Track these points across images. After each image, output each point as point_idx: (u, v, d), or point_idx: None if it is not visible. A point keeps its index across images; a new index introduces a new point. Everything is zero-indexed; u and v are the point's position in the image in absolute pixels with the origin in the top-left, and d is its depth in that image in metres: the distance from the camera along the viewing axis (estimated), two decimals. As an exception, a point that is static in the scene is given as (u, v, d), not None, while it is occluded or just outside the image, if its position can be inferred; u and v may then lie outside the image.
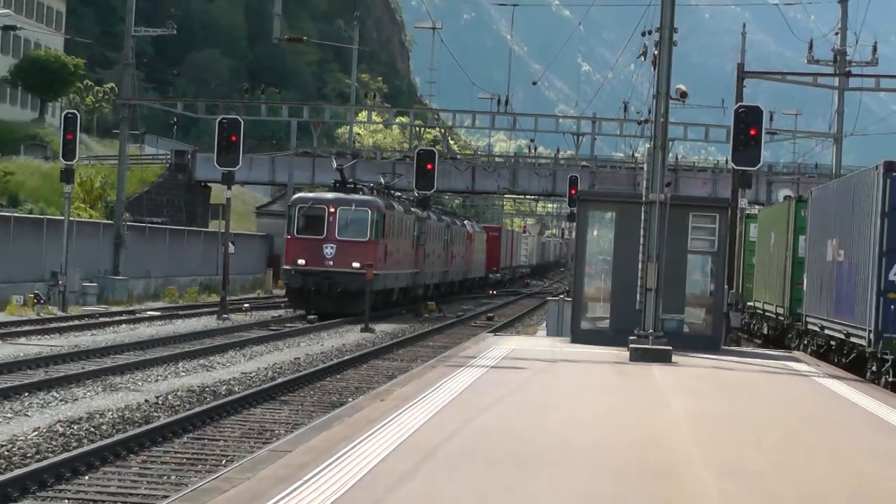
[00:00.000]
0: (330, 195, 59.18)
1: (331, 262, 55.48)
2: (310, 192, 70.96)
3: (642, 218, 37.17)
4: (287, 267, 56.55)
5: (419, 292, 74.78)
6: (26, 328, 48.25)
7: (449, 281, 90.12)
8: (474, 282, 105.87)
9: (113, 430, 25.71)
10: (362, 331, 55.01)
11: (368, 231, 56.28)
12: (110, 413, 28.11)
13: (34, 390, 30.73)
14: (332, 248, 55.24)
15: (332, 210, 55.71)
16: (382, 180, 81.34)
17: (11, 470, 20.39)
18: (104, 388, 32.32)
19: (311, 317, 60.78)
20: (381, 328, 58.25)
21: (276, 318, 62.67)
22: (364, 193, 60.78)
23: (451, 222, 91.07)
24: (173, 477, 21.05)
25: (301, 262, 55.98)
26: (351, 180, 64.33)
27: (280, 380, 34.95)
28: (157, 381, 34.60)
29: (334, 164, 71.81)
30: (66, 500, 19.00)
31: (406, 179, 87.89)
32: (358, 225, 56.08)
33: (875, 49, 64.18)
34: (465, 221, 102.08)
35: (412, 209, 73.41)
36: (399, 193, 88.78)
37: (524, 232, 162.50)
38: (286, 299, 62.44)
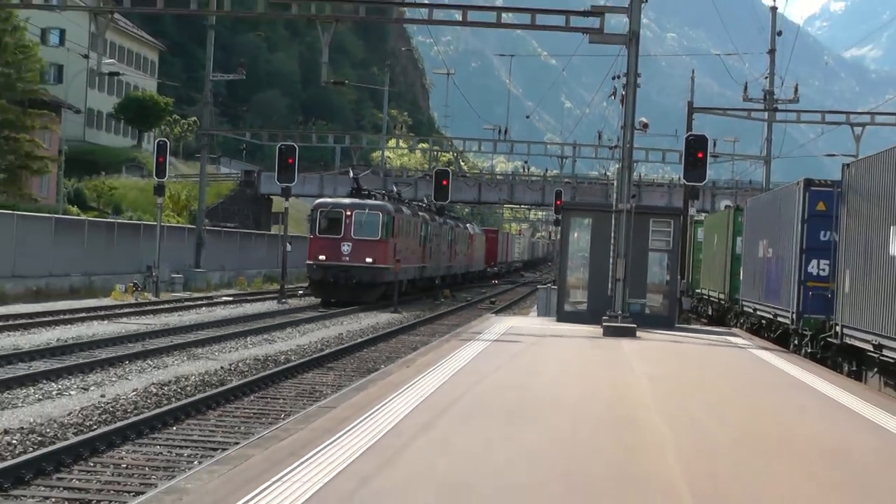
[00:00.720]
0: (347, 200, 59.15)
1: (347, 258, 55.27)
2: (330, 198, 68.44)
3: (613, 223, 37.34)
4: (310, 262, 56.36)
5: (427, 283, 75.42)
6: (127, 311, 48.17)
7: (453, 273, 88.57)
8: (475, 274, 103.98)
9: (195, 390, 25.75)
10: (392, 312, 54.72)
11: (379, 231, 56.22)
12: (193, 377, 28.15)
13: (133, 359, 30.69)
14: (348, 245, 55.05)
15: (348, 213, 55.72)
16: (395, 188, 79.95)
17: (115, 422, 20.51)
18: (188, 358, 32.33)
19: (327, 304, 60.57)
20: (407, 310, 58.13)
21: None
22: (376, 199, 60.46)
23: (454, 225, 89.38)
24: (242, 428, 21.15)
25: (322, 257, 55.89)
26: (365, 188, 63.88)
27: (327, 351, 34.89)
28: (230, 351, 34.57)
29: (351, 174, 71.05)
30: (158, 446, 19.10)
31: (424, 192, 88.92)
32: (370, 226, 56.17)
33: (796, 90, 64.07)
34: (468, 224, 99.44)
35: (419, 213, 72.67)
36: (423, 202, 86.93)
37: (519, 234, 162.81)
38: (309, 289, 61.04)
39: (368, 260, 55.01)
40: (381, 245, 55.46)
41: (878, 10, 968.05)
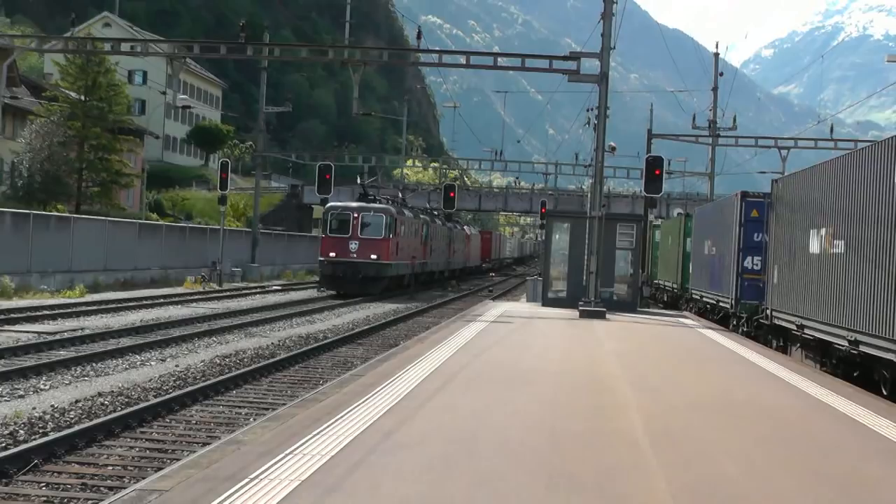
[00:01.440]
0: (354, 204, 56.88)
1: (354, 255, 52.64)
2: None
3: (587, 227, 37.33)
4: (322, 258, 53.90)
5: (428, 277, 72.35)
6: (196, 297, 48.17)
7: (452, 268, 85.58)
8: (472, 269, 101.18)
9: (251, 361, 25.75)
10: (409, 300, 54.75)
11: (383, 231, 53.83)
12: (249, 351, 28.15)
13: (201, 336, 30.68)
14: (355, 244, 52.75)
15: (355, 215, 53.62)
16: (399, 195, 77.66)
17: (187, 387, 20.53)
18: (245, 335, 32.32)
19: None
20: (421, 297, 58.05)
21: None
22: (380, 203, 58.25)
23: (453, 227, 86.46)
24: (288, 391, 21.15)
25: (332, 254, 53.25)
26: (371, 194, 61.82)
27: (357, 330, 34.87)
28: (278, 330, 34.56)
29: (358, 181, 69.43)
30: (221, 406, 19.12)
31: (435, 202, 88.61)
32: (375, 226, 53.75)
33: (734, 120, 64.02)
34: (465, 227, 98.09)
35: (420, 216, 69.70)
36: (427, 208, 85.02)
37: (510, 236, 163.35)
38: (321, 282, 57.60)
39: (373, 256, 53.11)
40: (384, 243, 53.63)
41: (800, 56, 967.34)
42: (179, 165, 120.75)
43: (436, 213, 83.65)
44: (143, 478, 11.72)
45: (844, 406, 16.14)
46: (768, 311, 28.76)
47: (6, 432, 15.64)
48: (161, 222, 73.98)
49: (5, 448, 14.39)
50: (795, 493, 9.93)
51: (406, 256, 60.86)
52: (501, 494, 9.26)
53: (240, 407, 19.17)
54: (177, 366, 24.45)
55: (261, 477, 9.51)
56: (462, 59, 46.65)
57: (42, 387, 20.26)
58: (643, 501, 9.26)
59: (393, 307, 47.86)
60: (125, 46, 57.08)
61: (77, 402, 18.61)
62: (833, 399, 16.90)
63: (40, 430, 15.90)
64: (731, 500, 9.48)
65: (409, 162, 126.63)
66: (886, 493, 10.14)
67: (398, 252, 56.84)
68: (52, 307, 37.58)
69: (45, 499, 12.25)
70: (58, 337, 28.43)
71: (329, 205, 57.44)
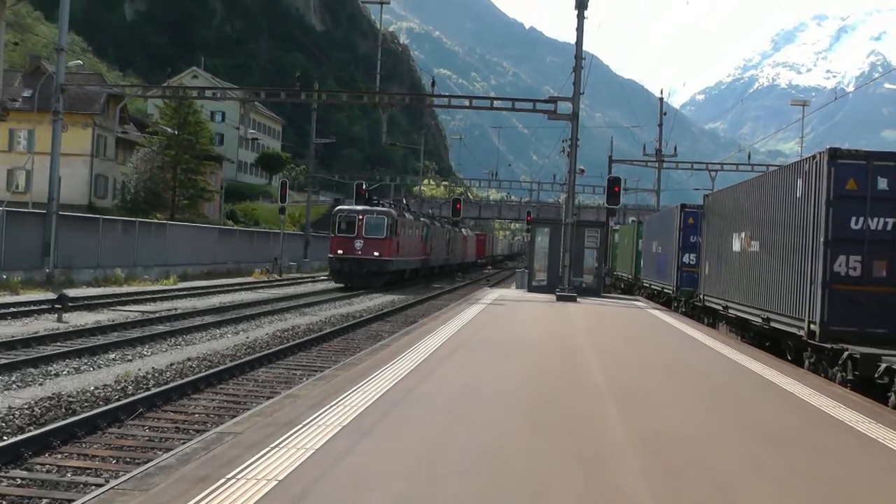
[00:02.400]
0: (360, 207, 52.20)
1: (359, 252, 48.59)
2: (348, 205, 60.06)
3: (563, 231, 37.32)
4: (331, 255, 49.95)
5: (429, 271, 67.76)
6: (261, 285, 48.16)
7: (450, 264, 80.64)
8: (469, 264, 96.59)
9: (304, 334, 25.74)
10: (424, 287, 54.59)
11: (385, 231, 49.64)
12: (302, 326, 28.14)
13: (266, 315, 30.67)
14: (360, 242, 48.68)
15: (360, 217, 49.47)
16: (404, 201, 73.96)
17: (255, 354, 20.52)
18: (299, 314, 32.30)
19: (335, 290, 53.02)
20: (435, 285, 57.96)
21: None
22: (383, 206, 53.44)
23: (452, 229, 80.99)
24: (332, 357, 21.12)
25: (340, 251, 49.15)
26: (375, 198, 58.32)
27: (386, 309, 34.84)
28: (325, 310, 34.56)
29: (364, 186, 63.53)
30: (281, 369, 19.09)
31: (446, 211, 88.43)
32: (377, 227, 49.52)
33: (675, 149, 63.97)
34: (464, 229, 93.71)
35: (421, 219, 64.59)
36: (444, 218, 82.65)
37: (502, 238, 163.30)
38: (330, 276, 53.58)
39: (376, 254, 48.92)
40: (385, 242, 49.66)
41: (725, 100, 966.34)
42: (249, 184, 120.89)
43: (439, 217, 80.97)
44: (222, 423, 11.75)
45: (759, 368, 16.12)
46: (701, 296, 28.74)
47: (119, 387, 15.70)
48: (235, 227, 74.32)
49: (118, 399, 14.46)
50: (721, 434, 9.94)
51: (407, 253, 56.58)
52: (498, 436, 9.26)
53: (295, 369, 19.19)
54: (247, 337, 24.46)
55: (311, 423, 9.51)
56: (466, 102, 46.85)
57: (145, 353, 20.30)
58: (605, 441, 9.26)
59: (412, 293, 47.83)
60: (208, 93, 57.29)
61: (171, 364, 18.67)
62: (751, 363, 16.87)
63: (144, 386, 15.94)
64: (671, 440, 9.48)
65: (425, 181, 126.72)
66: (787, 430, 10.17)
67: (399, 250, 53.07)
68: (152, 293, 37.58)
69: (147, 438, 12.30)
70: (157, 315, 28.46)
71: (338, 208, 54.71)
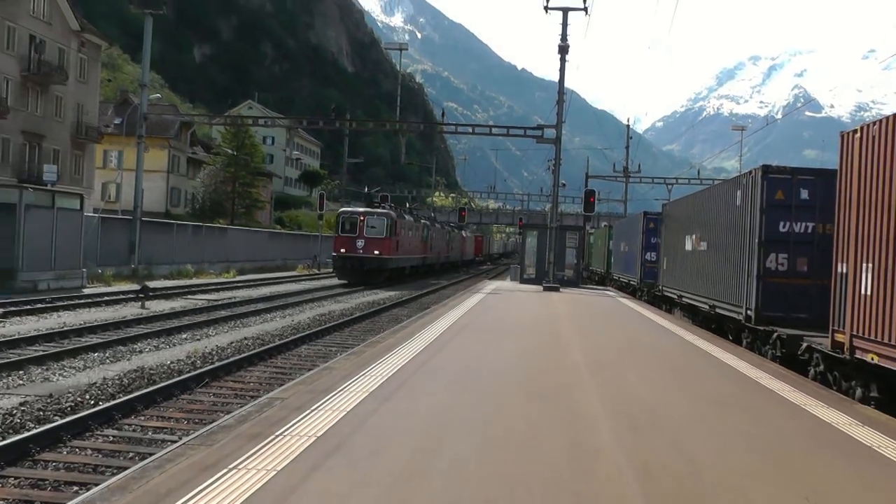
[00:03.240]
0: (361, 209, 47.70)
1: (361, 251, 44.01)
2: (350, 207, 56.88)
3: (548, 234, 37.31)
4: (335, 254, 45.19)
5: (429, 269, 61.70)
6: (304, 278, 48.11)
7: (451, 261, 74.76)
8: (468, 261, 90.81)
9: (338, 317, 25.74)
10: (434, 280, 54.44)
11: (385, 231, 44.86)
12: (336, 311, 28.11)
13: (307, 302, 30.66)
14: (362, 241, 43.99)
15: (362, 218, 44.69)
16: (407, 204, 68.58)
17: (298, 334, 20.55)
18: (334, 302, 32.25)
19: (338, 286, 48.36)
20: (436, 280, 57.87)
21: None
22: (383, 208, 48.19)
23: (451, 230, 75.30)
24: (361, 336, 21.11)
25: (343, 250, 44.49)
26: (377, 201, 52.26)
27: (403, 298, 34.73)
28: (354, 298, 34.51)
29: (365, 190, 61.14)
30: (319, 346, 19.10)
31: (454, 218, 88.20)
32: (378, 227, 44.73)
33: (639, 167, 64.14)
34: (463, 231, 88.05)
35: (421, 220, 58.82)
36: (451, 223, 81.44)
37: (498, 238, 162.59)
38: (334, 273, 48.14)
39: (376, 252, 44.21)
40: (385, 241, 44.89)
41: (679, 126, 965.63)
42: (293, 195, 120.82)
43: (445, 221, 78.01)
44: (272, 390, 11.79)
45: (706, 346, 16.12)
46: (660, 287, 28.70)
47: (189, 362, 15.74)
48: (282, 231, 74.30)
49: (189, 371, 14.50)
50: (674, 399, 9.96)
51: (407, 252, 51.27)
52: (496, 402, 9.28)
53: (331, 346, 19.20)
54: (292, 320, 24.48)
55: (343, 390, 9.54)
56: (469, 129, 47.08)
57: (210, 334, 20.34)
58: (584, 405, 9.27)
59: (428, 283, 47.83)
60: (261, 121, 57.26)
61: (231, 343, 18.71)
62: (699, 342, 16.87)
63: (209, 361, 15.98)
64: (633, 403, 9.49)
65: (436, 193, 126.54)
66: (728, 397, 10.19)
67: (398, 249, 47.95)
68: (216, 284, 37.65)
69: (212, 403, 12.35)
70: (219, 302, 28.50)
71: (341, 210, 49.35)
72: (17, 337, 17.36)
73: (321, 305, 30.41)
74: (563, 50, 36.21)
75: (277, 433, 7.38)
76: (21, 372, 13.94)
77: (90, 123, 62.59)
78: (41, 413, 11.05)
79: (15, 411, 11.05)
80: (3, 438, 9.57)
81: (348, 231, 45.02)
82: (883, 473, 7.04)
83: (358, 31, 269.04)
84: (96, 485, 7.10)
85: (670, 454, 7.26)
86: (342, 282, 44.29)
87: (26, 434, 9.51)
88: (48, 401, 11.77)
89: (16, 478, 8.36)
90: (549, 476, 6.40)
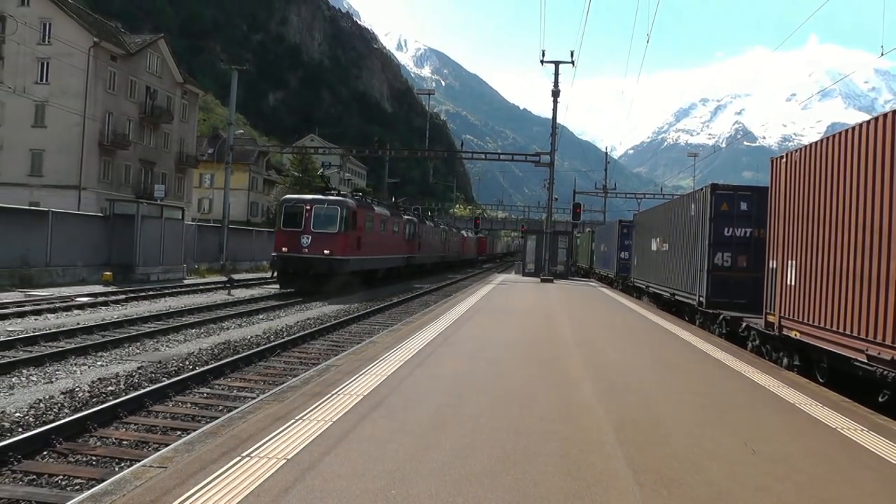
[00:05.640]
0: (308, 196, 30.90)
1: (306, 250, 28.42)
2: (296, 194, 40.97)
3: (545, 237, 37.17)
4: (274, 253, 29.34)
5: (417, 269, 45.24)
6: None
7: (447, 261, 56.08)
8: (470, 261, 74.56)
9: (381, 301, 25.78)
10: (457, 271, 54.16)
11: (337, 225, 28.74)
12: (378, 297, 28.19)
13: (355, 292, 31.09)
14: (308, 238, 28.46)
15: (307, 208, 28.81)
16: (394, 198, 52.41)
17: (349, 315, 20.56)
18: (376, 289, 32.31)
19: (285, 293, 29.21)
20: (461, 272, 57.63)
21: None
22: (338, 194, 31.64)
23: (447, 230, 57.82)
24: (397, 317, 21.11)
25: (284, 249, 28.76)
26: (334, 187, 35.62)
27: (432, 287, 34.75)
28: (391, 286, 34.48)
29: (320, 172, 37.82)
30: (365, 324, 19.15)
31: (471, 225, 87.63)
32: (328, 220, 28.87)
33: (615, 185, 63.99)
34: (463, 231, 72.69)
35: (404, 216, 40.82)
36: (460, 225, 77.80)
37: (505, 240, 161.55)
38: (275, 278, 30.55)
39: (326, 252, 28.58)
40: (339, 238, 28.89)
41: (646, 153, 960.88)
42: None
43: (451, 222, 68.61)
44: (328, 359, 11.83)
45: (667, 325, 16.04)
46: (632, 279, 28.55)
47: (265, 336, 15.81)
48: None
49: (265, 344, 14.56)
50: (642, 366, 9.91)
51: (377, 251, 33.81)
52: (505, 368, 9.28)
53: (374, 324, 19.23)
54: (345, 306, 24.50)
55: (385, 359, 9.56)
56: (482, 156, 46.87)
57: (281, 315, 20.42)
58: (572, 368, 9.26)
59: (449, 277, 47.67)
60: (320, 150, 57.50)
61: (297, 322, 18.77)
62: (662, 322, 16.79)
63: (280, 336, 16.04)
64: (610, 369, 9.46)
65: (457, 206, 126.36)
66: (684, 364, 10.14)
67: (360, 247, 30.87)
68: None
69: (282, 368, 12.39)
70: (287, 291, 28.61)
71: (284, 197, 31.66)
72: (134, 317, 17.52)
73: (342, 302, 30.28)
74: (555, 94, 36.14)
75: (333, 392, 7.41)
76: (138, 343, 14.07)
77: (189, 153, 63.26)
78: (153, 375, 11.16)
79: (133, 373, 11.18)
80: (126, 394, 9.69)
81: (291, 224, 28.62)
82: (803, 425, 7.02)
83: (396, 80, 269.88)
84: (194, 430, 7.17)
85: (639, 409, 7.25)
86: (288, 290, 28.23)
87: (142, 391, 9.61)
88: (158, 366, 11.88)
89: (134, 424, 8.45)
90: (545, 426, 6.41)
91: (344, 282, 29.94)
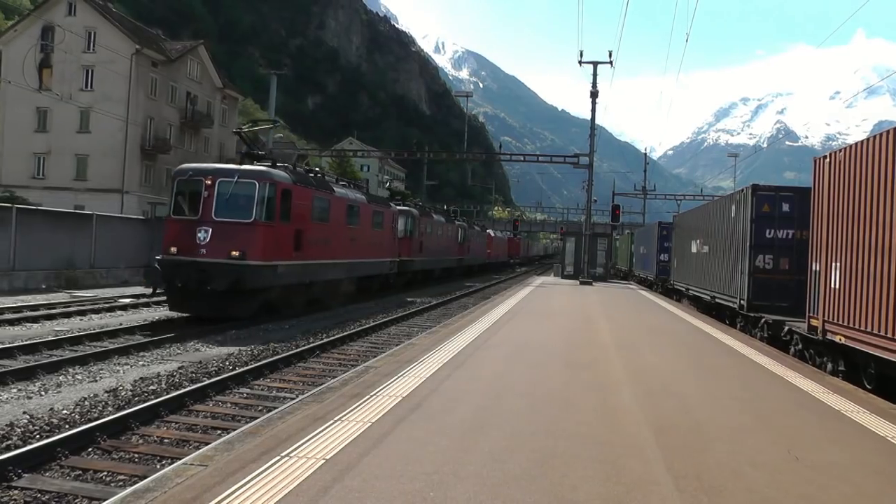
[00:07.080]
0: (212, 165, 16.68)
1: (203, 251, 15.36)
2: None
3: (584, 239, 36.96)
4: (158, 258, 15.82)
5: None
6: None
7: (465, 264, 47.07)
8: (498, 264, 65.38)
9: (421, 304, 25.80)
10: (495, 273, 54.07)
11: (254, 211, 15.62)
12: (417, 300, 28.20)
13: (396, 294, 31.01)
14: (206, 231, 15.38)
15: (208, 182, 15.46)
16: (388, 192, 42.37)
17: (388, 317, 20.58)
18: (415, 292, 32.38)
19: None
20: (500, 274, 57.50)
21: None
22: (264, 165, 17.51)
23: (466, 227, 46.66)
24: (436, 319, 21.15)
25: (173, 250, 15.63)
26: (263, 152, 19.87)
27: (470, 290, 34.73)
28: (430, 288, 34.54)
29: (233, 130, 28.10)
30: (404, 326, 19.18)
31: (509, 228, 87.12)
32: (240, 202, 15.60)
33: (654, 186, 63.35)
34: (489, 230, 61.80)
35: (396, 206, 31.71)
36: (475, 222, 71.73)
37: (542, 241, 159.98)
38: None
39: (234, 253, 15.55)
40: (258, 231, 15.90)
41: (686, 154, 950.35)
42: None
43: (446, 211, 54.03)
44: (367, 360, 11.88)
45: (707, 328, 15.85)
46: (672, 281, 28.28)
47: (304, 339, 15.92)
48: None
49: (305, 346, 14.65)
50: (682, 370, 9.81)
51: (339, 254, 21.92)
52: (543, 370, 9.24)
53: (413, 327, 19.25)
54: (380, 305, 24.56)
55: (423, 361, 9.58)
56: (521, 158, 46.82)
57: (319, 318, 20.55)
58: (610, 371, 9.19)
59: (491, 278, 47.55)
60: (359, 153, 57.90)
61: (336, 325, 18.84)
62: (702, 325, 16.60)
63: (319, 338, 16.13)
64: (650, 373, 9.37)
65: (496, 208, 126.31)
66: (725, 368, 10.00)
67: (303, 247, 18.53)
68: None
69: (322, 370, 12.47)
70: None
71: (178, 168, 16.91)
72: (175, 317, 17.77)
73: (406, 294, 30.39)
74: (594, 95, 35.92)
75: (372, 394, 7.44)
76: (179, 344, 14.28)
77: (229, 157, 64.06)
78: (194, 375, 11.32)
79: (175, 374, 11.35)
80: (168, 393, 9.84)
81: (185, 211, 16.42)
82: (850, 433, 6.87)
83: (434, 83, 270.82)
84: (234, 430, 7.26)
85: (678, 413, 7.16)
86: (184, 315, 17.36)
87: (183, 390, 9.74)
88: (198, 366, 12.05)
89: (175, 423, 8.58)
90: (583, 429, 6.37)
91: (262, 302, 17.71)
